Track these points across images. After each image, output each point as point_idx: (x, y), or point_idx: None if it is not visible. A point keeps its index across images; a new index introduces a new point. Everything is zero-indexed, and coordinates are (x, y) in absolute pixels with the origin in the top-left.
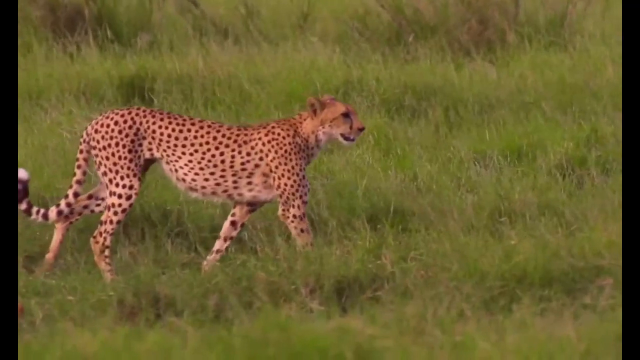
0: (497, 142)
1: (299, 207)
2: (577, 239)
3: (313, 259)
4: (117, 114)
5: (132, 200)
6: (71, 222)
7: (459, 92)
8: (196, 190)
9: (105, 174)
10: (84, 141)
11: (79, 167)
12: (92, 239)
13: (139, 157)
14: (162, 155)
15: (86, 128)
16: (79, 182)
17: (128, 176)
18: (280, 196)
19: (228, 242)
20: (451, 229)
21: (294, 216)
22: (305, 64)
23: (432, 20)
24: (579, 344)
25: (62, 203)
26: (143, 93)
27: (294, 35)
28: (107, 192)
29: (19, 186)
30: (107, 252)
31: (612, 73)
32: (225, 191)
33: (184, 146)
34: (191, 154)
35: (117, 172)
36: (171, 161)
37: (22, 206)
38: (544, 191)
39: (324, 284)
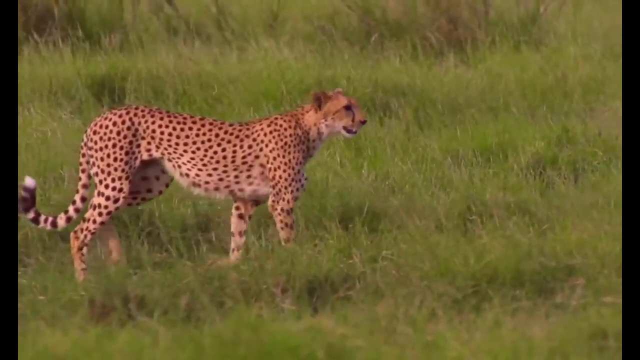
0: (468, 141)
1: (288, 201)
2: (548, 239)
3: (284, 258)
4: (115, 114)
5: (119, 204)
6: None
7: (429, 92)
8: (199, 185)
9: (96, 174)
10: (85, 145)
11: (83, 171)
12: (72, 233)
13: (135, 158)
14: (162, 154)
15: (86, 131)
16: (84, 186)
17: (120, 179)
18: (273, 187)
19: (244, 237)
20: (422, 228)
21: (282, 209)
22: (276, 63)
23: (401, 20)
24: (550, 344)
25: (71, 209)
26: (114, 92)
27: (265, 34)
28: (95, 191)
29: (26, 195)
30: (84, 250)
31: (584, 73)
32: (227, 186)
33: (185, 144)
34: (193, 152)
35: (109, 173)
36: (173, 158)
37: (30, 215)
38: (515, 191)
39: (295, 284)
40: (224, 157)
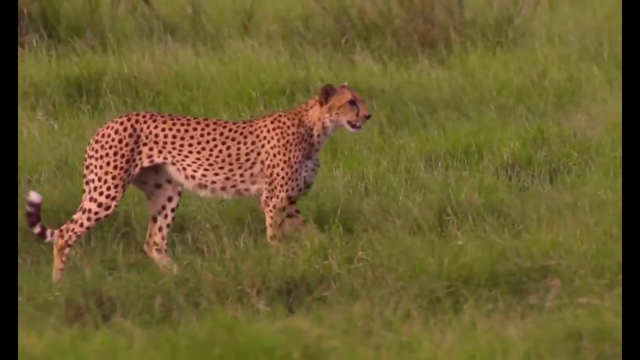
0: (443, 142)
1: (282, 199)
2: (523, 240)
3: (259, 259)
4: (116, 122)
5: (109, 211)
6: (166, 250)
7: (404, 92)
8: (206, 186)
9: (92, 180)
10: (87, 155)
11: (87, 183)
12: (57, 232)
13: (135, 165)
14: (165, 158)
15: (89, 143)
16: None
17: (116, 187)
18: (269, 184)
19: (307, 226)
20: (398, 229)
21: (274, 207)
22: (251, 63)
23: (376, 21)
24: (525, 344)
25: None
26: (89, 93)
27: (240, 35)
28: (87, 197)
29: (32, 209)
30: (66, 251)
31: (559, 74)
32: (233, 186)
33: (190, 145)
34: (199, 152)
35: (105, 181)
36: (178, 161)
37: (36, 230)
38: (490, 191)
39: (270, 285)
40: (229, 156)
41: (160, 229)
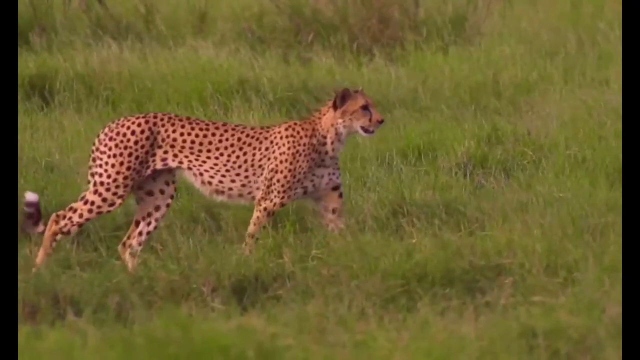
0: (398, 140)
1: (275, 204)
2: (477, 238)
3: (214, 258)
4: (133, 123)
5: (112, 208)
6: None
7: None
8: (223, 192)
9: (100, 174)
10: (96, 149)
11: (92, 175)
12: (54, 215)
13: (147, 167)
14: (181, 162)
15: (98, 136)
16: None
17: (125, 187)
18: (268, 186)
19: (336, 225)
20: (352, 227)
21: (265, 208)
22: (205, 63)
23: (332, 20)
24: (480, 342)
25: None
26: (43, 92)
27: (193, 34)
28: (92, 189)
29: (31, 210)
30: (58, 237)
31: (513, 72)
32: (249, 192)
33: (209, 150)
34: (217, 158)
35: (115, 179)
36: (194, 166)
37: (39, 229)
38: (445, 190)
39: (224, 283)
40: (245, 162)
41: (140, 233)
